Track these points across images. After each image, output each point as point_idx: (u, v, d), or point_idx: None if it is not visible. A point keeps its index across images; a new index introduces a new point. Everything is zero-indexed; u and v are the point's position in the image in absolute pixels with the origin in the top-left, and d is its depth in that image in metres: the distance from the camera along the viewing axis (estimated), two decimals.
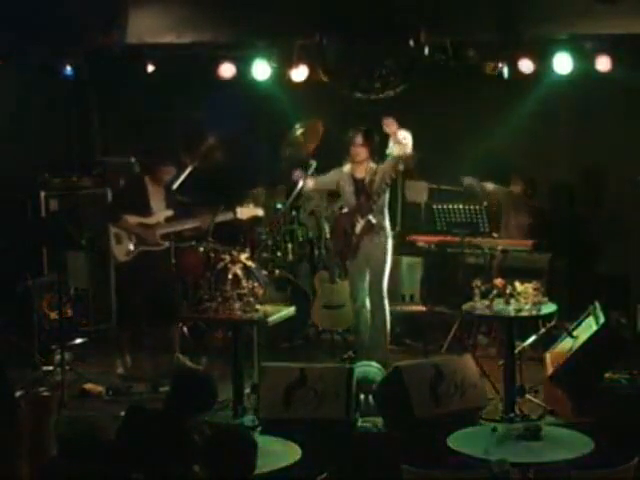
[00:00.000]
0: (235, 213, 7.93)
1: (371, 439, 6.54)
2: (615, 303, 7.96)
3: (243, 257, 7.26)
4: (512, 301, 6.76)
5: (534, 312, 6.76)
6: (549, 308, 6.87)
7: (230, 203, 9.17)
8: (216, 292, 7.06)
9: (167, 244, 7.85)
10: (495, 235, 8.71)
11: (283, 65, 8.73)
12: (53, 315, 8.36)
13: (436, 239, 8.81)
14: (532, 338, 7.50)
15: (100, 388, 7.46)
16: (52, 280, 8.38)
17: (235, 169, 9.26)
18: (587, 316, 7.36)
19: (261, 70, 8.73)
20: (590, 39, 8.23)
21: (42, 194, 8.85)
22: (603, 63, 8.19)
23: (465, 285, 7.47)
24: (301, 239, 9.08)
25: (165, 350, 7.83)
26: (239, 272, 7.06)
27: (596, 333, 7.03)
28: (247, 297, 6.83)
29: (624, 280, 8.88)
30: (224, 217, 7.91)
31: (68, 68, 9.10)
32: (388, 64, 8.03)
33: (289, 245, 9.01)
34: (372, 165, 7.70)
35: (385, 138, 7.65)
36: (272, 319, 6.85)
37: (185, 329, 8.40)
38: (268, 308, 6.98)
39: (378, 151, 7.75)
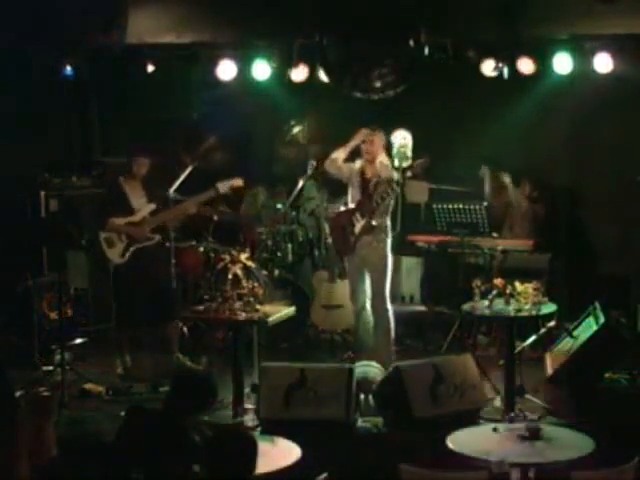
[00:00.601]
0: (217, 189, 7.95)
1: (371, 439, 6.55)
2: (615, 303, 7.96)
3: (243, 257, 7.27)
4: (512, 301, 6.77)
5: (534, 312, 6.77)
6: (549, 308, 6.87)
7: (230, 203, 9.21)
8: (216, 292, 7.06)
9: (158, 237, 7.84)
10: (495, 235, 8.71)
11: (283, 65, 8.72)
12: (53, 315, 8.36)
13: (436, 239, 8.82)
14: (532, 338, 7.50)
15: (100, 388, 7.45)
16: (52, 280, 8.38)
17: (235, 169, 9.26)
18: (587, 316, 7.36)
19: (261, 70, 8.73)
20: (590, 39, 8.22)
21: (42, 194, 8.84)
22: (603, 63, 8.19)
23: (465, 285, 7.48)
24: (301, 239, 9.08)
25: (165, 350, 7.83)
26: (239, 272, 7.07)
27: (596, 333, 7.03)
28: (247, 297, 6.83)
29: (624, 280, 8.88)
30: (207, 196, 7.94)
31: (68, 68, 9.10)
32: (388, 64, 8.02)
33: (289, 245, 9.00)
34: (379, 167, 7.68)
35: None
36: (272, 319, 6.85)
37: (185, 329, 8.40)
38: (268, 308, 6.99)
39: (388, 152, 7.77)
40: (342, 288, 8.38)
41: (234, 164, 9.32)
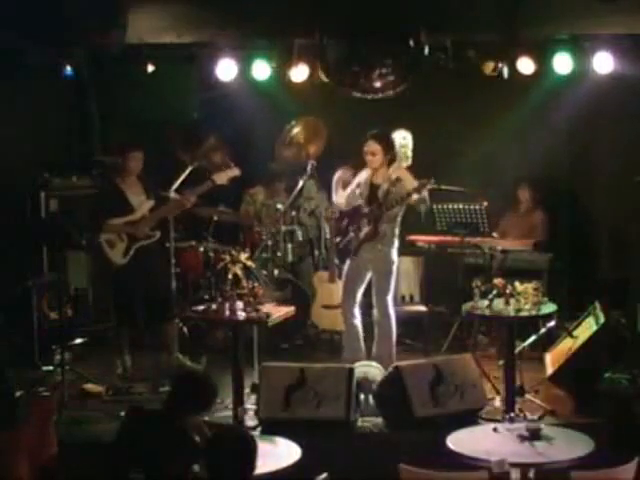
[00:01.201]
0: (213, 181, 7.94)
1: (371, 439, 6.55)
2: (615, 303, 7.96)
3: (243, 257, 7.26)
4: (512, 301, 6.76)
5: (534, 312, 6.76)
6: (549, 308, 6.87)
7: (230, 203, 9.21)
8: (216, 292, 7.06)
9: (159, 234, 7.84)
10: (495, 235, 8.71)
11: (283, 65, 8.72)
12: (53, 315, 8.36)
13: (436, 239, 8.81)
14: (532, 338, 7.50)
15: (100, 388, 7.45)
16: (52, 280, 8.38)
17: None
18: (587, 316, 7.37)
19: (261, 70, 8.73)
20: (590, 39, 8.23)
21: (42, 194, 8.84)
22: (603, 63, 8.19)
23: (465, 285, 7.47)
24: (301, 239, 9.08)
25: (165, 350, 7.83)
26: (239, 272, 7.06)
27: (596, 333, 7.04)
28: (247, 297, 6.83)
29: (624, 280, 8.88)
30: (204, 188, 7.94)
31: (68, 68, 9.09)
32: (388, 64, 8.02)
33: (289, 245, 9.00)
34: (391, 172, 7.57)
35: None
36: (272, 319, 6.85)
37: (185, 329, 8.40)
38: (268, 308, 6.99)
39: (394, 152, 7.68)
40: None
41: (234, 164, 9.30)
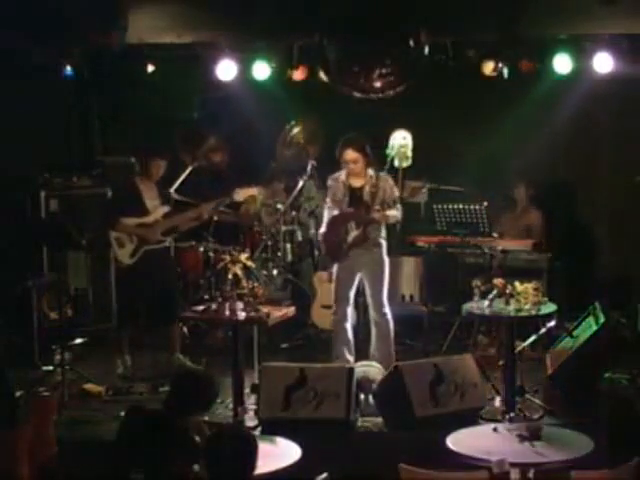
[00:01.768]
0: (232, 197, 7.95)
1: (371, 439, 6.55)
2: (615, 303, 7.96)
3: (243, 257, 7.27)
4: (512, 301, 6.76)
5: (534, 312, 6.76)
6: (549, 308, 6.87)
7: (230, 203, 9.20)
8: (216, 292, 7.06)
9: (169, 240, 7.86)
10: (495, 235, 8.71)
11: (283, 65, 8.72)
12: (53, 315, 8.36)
13: (436, 239, 8.81)
14: (532, 338, 7.50)
15: (100, 388, 7.45)
16: (52, 280, 8.38)
17: (235, 169, 9.26)
18: (587, 316, 7.36)
19: (261, 70, 8.73)
20: (590, 39, 8.23)
21: (42, 194, 8.84)
22: (603, 63, 8.19)
23: (465, 285, 7.47)
24: (301, 239, 9.08)
25: (165, 350, 7.84)
26: (239, 272, 7.06)
27: (596, 333, 7.04)
28: (247, 297, 6.83)
29: (624, 280, 8.88)
30: (222, 202, 7.97)
31: (68, 68, 9.10)
32: (388, 64, 8.01)
33: (289, 245, 9.00)
34: (371, 173, 7.56)
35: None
36: (272, 319, 6.85)
37: (185, 329, 8.40)
38: (268, 308, 6.99)
39: (373, 157, 7.66)
40: None
41: (234, 164, 9.31)
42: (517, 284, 6.80)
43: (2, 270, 8.49)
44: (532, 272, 8.06)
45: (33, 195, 8.87)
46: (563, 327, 7.54)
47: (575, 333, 7.27)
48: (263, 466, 4.50)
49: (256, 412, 6.67)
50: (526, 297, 6.74)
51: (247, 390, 6.96)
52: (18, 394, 6.71)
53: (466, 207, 8.54)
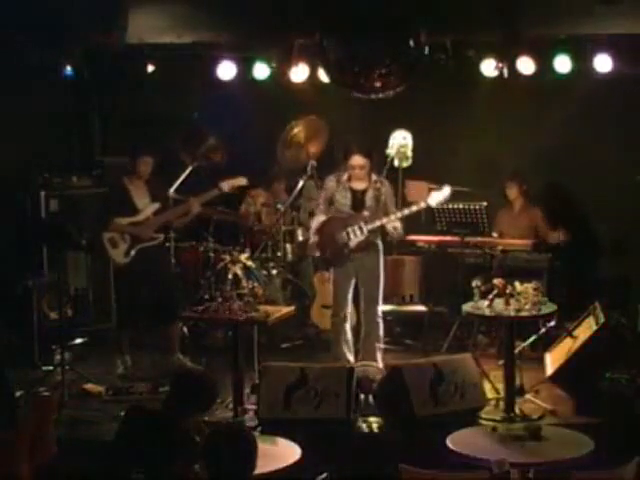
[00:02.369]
0: (220, 188, 7.94)
1: (371, 439, 6.55)
2: (615, 303, 7.96)
3: (243, 257, 7.27)
4: (512, 301, 6.76)
5: (534, 312, 6.76)
6: (549, 308, 6.87)
7: (230, 203, 9.21)
8: (216, 292, 7.06)
9: (162, 236, 7.85)
10: (495, 235, 8.71)
11: (283, 65, 8.72)
12: (53, 315, 8.36)
13: (436, 239, 8.80)
14: (532, 338, 7.50)
15: (100, 388, 7.45)
16: (52, 280, 8.38)
17: (234, 169, 9.26)
18: (587, 316, 7.36)
19: (261, 70, 8.73)
20: (590, 39, 8.23)
21: (42, 194, 8.84)
22: (603, 63, 8.20)
23: (465, 285, 7.47)
24: (301, 239, 9.08)
25: (165, 350, 7.84)
26: (239, 272, 7.06)
27: (596, 333, 7.04)
28: (247, 297, 6.83)
29: (624, 280, 8.88)
30: (210, 195, 7.94)
31: (68, 68, 9.10)
32: (388, 64, 8.01)
33: (289, 245, 9.00)
34: (375, 177, 7.52)
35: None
36: (272, 319, 6.85)
37: (185, 329, 8.40)
38: (268, 308, 6.99)
39: (377, 161, 7.64)
40: None
41: (234, 164, 9.31)
42: (517, 284, 6.80)
43: (2, 270, 8.50)
44: (532, 272, 8.06)
45: (33, 195, 8.87)
46: (563, 327, 7.54)
47: (575, 333, 7.27)
48: (263, 466, 4.49)
49: (256, 412, 6.67)
50: (526, 297, 6.74)
51: (247, 390, 6.96)
52: (18, 394, 6.71)
53: (466, 207, 8.54)
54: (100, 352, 8.37)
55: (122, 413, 5.40)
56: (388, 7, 7.93)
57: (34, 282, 8.40)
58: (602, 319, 7.09)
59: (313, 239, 7.68)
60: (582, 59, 8.29)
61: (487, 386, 7.06)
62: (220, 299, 6.86)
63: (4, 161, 8.73)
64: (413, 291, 8.87)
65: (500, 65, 8.43)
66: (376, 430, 6.61)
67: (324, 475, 4.64)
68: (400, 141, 8.24)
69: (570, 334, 7.27)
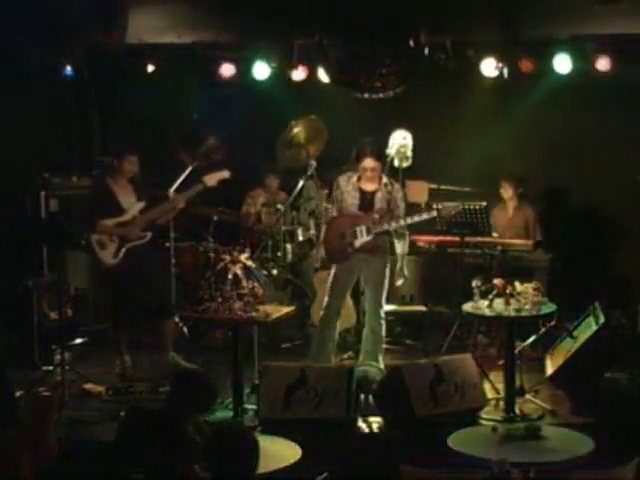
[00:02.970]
0: (204, 183, 7.92)
1: (371, 439, 6.55)
2: (615, 303, 7.96)
3: (243, 257, 7.26)
4: (512, 301, 6.76)
5: (534, 312, 6.76)
6: (549, 308, 6.87)
7: (230, 204, 9.21)
8: (216, 292, 7.06)
9: (150, 234, 7.82)
10: (495, 235, 8.71)
11: (283, 65, 8.72)
12: (53, 315, 8.36)
13: (436, 239, 8.80)
14: (532, 338, 7.50)
15: (100, 388, 7.45)
16: (52, 280, 8.38)
17: (234, 169, 9.26)
18: (587, 316, 7.37)
19: (261, 70, 8.73)
20: (590, 39, 8.24)
21: (42, 194, 8.84)
22: (603, 63, 8.21)
23: (465, 285, 7.47)
24: (301, 239, 9.08)
25: (159, 348, 7.82)
26: (239, 272, 7.06)
27: (596, 333, 7.04)
28: (247, 297, 6.83)
29: (624, 280, 8.88)
30: (195, 190, 7.91)
31: (68, 68, 9.10)
32: (388, 64, 8.02)
33: (289, 245, 9.00)
34: (385, 180, 7.45)
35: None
36: (272, 319, 6.85)
37: (185, 329, 8.39)
38: (268, 308, 6.99)
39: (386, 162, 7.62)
40: None
41: (234, 164, 9.31)
42: (517, 284, 6.80)
43: (2, 270, 8.50)
44: (532, 272, 8.06)
45: (33, 195, 8.87)
46: (563, 327, 7.54)
47: (575, 333, 7.28)
48: (263, 466, 4.49)
49: (256, 412, 6.67)
50: (526, 297, 6.74)
51: (247, 390, 6.96)
52: (18, 394, 6.71)
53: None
54: (100, 352, 8.36)
55: (122, 413, 5.40)
56: (388, 7, 7.95)
57: (34, 282, 8.40)
58: (602, 319, 7.09)
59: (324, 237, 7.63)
60: (582, 59, 8.29)
61: (487, 386, 7.06)
62: (220, 299, 6.86)
63: (4, 161, 8.73)
64: (413, 291, 8.87)
65: (500, 65, 8.43)
66: (376, 430, 6.61)
67: (324, 475, 4.64)
68: (400, 141, 8.22)
69: (570, 334, 7.27)
